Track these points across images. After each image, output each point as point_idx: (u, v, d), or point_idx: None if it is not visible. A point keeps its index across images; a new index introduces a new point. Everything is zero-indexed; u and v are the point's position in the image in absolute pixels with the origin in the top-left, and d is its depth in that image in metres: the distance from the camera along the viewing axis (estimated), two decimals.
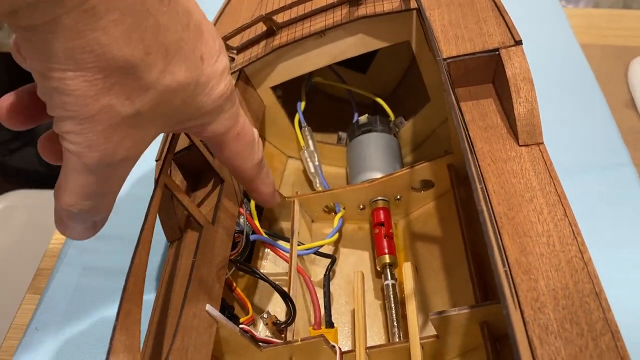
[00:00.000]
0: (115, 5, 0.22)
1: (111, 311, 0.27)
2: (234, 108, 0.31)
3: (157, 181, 0.33)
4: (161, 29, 0.24)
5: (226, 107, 0.30)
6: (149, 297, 0.35)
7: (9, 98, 0.28)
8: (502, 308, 0.20)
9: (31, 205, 0.87)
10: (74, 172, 0.25)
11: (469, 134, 0.32)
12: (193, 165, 0.40)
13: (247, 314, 0.39)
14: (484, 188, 0.29)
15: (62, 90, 0.23)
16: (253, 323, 0.40)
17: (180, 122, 0.28)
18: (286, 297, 0.37)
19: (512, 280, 0.26)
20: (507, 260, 0.26)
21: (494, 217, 0.28)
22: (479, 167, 0.30)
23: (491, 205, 0.29)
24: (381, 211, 0.45)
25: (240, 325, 0.37)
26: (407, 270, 0.40)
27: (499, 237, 0.27)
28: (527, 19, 0.75)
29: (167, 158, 0.35)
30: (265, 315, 0.40)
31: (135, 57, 0.23)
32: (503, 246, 0.27)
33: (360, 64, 0.57)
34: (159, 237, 0.38)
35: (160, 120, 0.26)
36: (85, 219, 0.28)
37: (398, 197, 0.46)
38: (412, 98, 0.55)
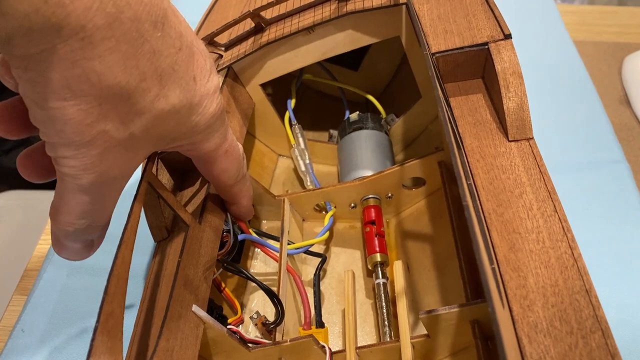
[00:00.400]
0: (112, 33, 0.21)
1: (95, 310, 0.27)
2: (225, 125, 0.31)
3: (141, 180, 0.33)
4: (156, 55, 0.24)
5: (217, 126, 0.30)
6: (136, 298, 0.34)
7: (2, 107, 0.28)
8: (488, 305, 0.20)
9: (24, 205, 0.86)
10: (69, 193, 0.25)
11: (457, 130, 0.31)
12: (180, 164, 0.39)
13: (236, 314, 0.39)
14: (472, 184, 0.29)
15: (58, 118, 0.22)
16: (242, 323, 0.39)
17: (173, 141, 0.28)
18: (274, 297, 0.37)
19: (501, 277, 0.25)
20: (495, 257, 0.26)
21: (483, 213, 0.28)
22: (468, 163, 0.30)
23: (480, 202, 0.28)
24: (372, 209, 0.45)
25: (229, 326, 0.36)
26: (398, 268, 0.40)
27: (487, 233, 0.26)
28: (520, 16, 0.75)
29: (152, 157, 0.35)
30: (254, 316, 0.40)
31: (131, 83, 0.23)
32: (492, 243, 0.26)
33: (351, 61, 0.57)
34: (147, 238, 0.37)
35: (153, 141, 0.27)
36: (82, 237, 0.28)
37: (389, 195, 0.45)
38: (404, 95, 0.54)
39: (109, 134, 0.24)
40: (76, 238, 0.28)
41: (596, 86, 0.66)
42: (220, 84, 0.29)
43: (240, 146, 0.34)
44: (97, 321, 0.26)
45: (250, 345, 0.36)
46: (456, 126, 0.32)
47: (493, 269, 0.25)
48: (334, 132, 0.54)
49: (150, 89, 0.24)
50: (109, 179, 0.26)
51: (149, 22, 0.23)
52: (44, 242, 0.53)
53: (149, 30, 0.23)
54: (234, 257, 0.39)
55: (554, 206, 0.27)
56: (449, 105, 0.33)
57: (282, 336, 0.38)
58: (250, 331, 0.41)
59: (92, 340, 0.25)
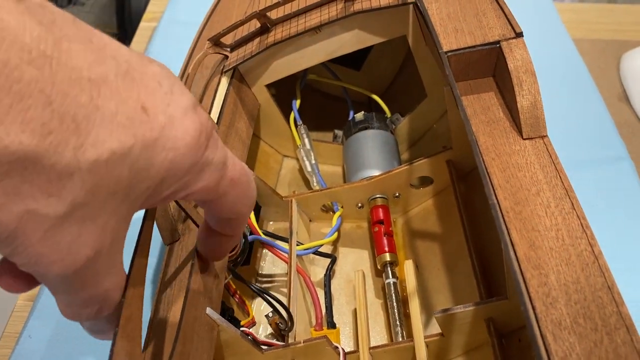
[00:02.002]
0: None
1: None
2: (218, 152, 0.24)
3: None
4: (56, 98, 0.18)
5: (209, 157, 0.23)
6: (147, 301, 0.34)
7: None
8: (517, 305, 0.20)
9: None
10: (52, 291, 0.22)
11: (471, 129, 0.31)
12: None
13: (248, 316, 0.39)
14: (490, 183, 0.29)
15: None
16: (254, 325, 0.39)
17: (154, 193, 0.22)
18: (282, 306, 0.37)
19: (523, 275, 0.25)
20: (516, 256, 0.26)
21: (501, 211, 0.28)
22: (484, 162, 0.30)
23: (497, 200, 0.28)
24: (380, 209, 0.45)
25: (242, 328, 0.36)
26: (408, 268, 0.40)
27: (507, 232, 0.26)
28: (518, 14, 0.75)
29: None
30: (270, 315, 0.39)
31: (27, 144, 0.17)
32: (511, 241, 0.26)
33: (354, 60, 0.56)
34: (155, 239, 0.37)
35: (116, 201, 0.21)
36: (103, 320, 0.25)
37: (397, 194, 0.45)
38: (408, 94, 0.54)
39: (37, 213, 0.18)
40: (99, 322, 0.24)
41: (595, 84, 0.66)
42: (192, 102, 0.23)
43: (245, 166, 0.27)
44: (117, 325, 0.26)
45: (263, 347, 0.35)
46: (470, 125, 0.32)
47: (516, 267, 0.25)
48: (339, 132, 0.54)
49: (64, 142, 0.18)
50: (82, 263, 0.20)
51: (26, 61, 0.17)
52: None
53: (29, 70, 0.17)
54: (245, 260, 0.39)
55: (572, 203, 0.27)
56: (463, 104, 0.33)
57: (295, 338, 0.38)
58: (261, 333, 0.41)
59: (113, 345, 0.25)
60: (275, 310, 0.37)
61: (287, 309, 0.37)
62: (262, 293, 0.37)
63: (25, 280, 0.22)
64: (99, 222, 0.20)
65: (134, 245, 0.30)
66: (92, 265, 0.21)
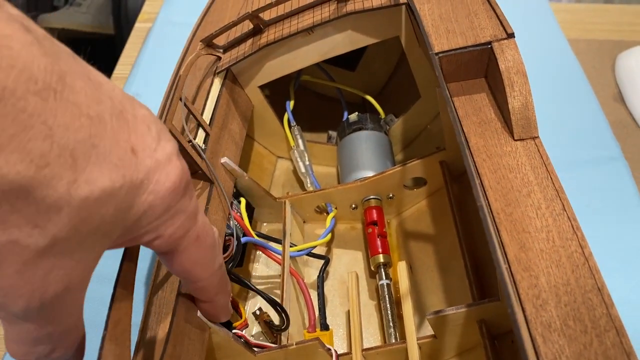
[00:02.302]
0: None
1: (101, 318, 0.26)
2: (192, 202, 0.24)
3: None
4: (56, 131, 0.18)
5: (183, 204, 0.23)
6: (138, 304, 0.34)
7: None
8: (507, 307, 0.20)
9: None
10: (7, 324, 0.21)
11: (463, 130, 0.31)
12: None
13: (240, 318, 0.38)
14: (480, 184, 0.29)
15: None
16: (246, 327, 0.39)
17: (126, 233, 0.22)
18: (277, 306, 0.37)
19: (513, 277, 0.25)
20: (506, 257, 0.26)
21: (492, 213, 0.28)
22: (475, 163, 0.30)
23: (488, 202, 0.28)
24: (374, 210, 0.45)
25: (234, 330, 0.36)
26: (402, 269, 0.39)
27: (497, 234, 0.26)
28: (514, 14, 0.75)
29: None
30: (257, 312, 0.39)
31: (23, 175, 0.17)
32: (502, 243, 0.26)
33: (348, 61, 0.56)
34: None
35: (95, 238, 0.21)
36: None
37: (390, 195, 0.45)
38: (402, 95, 0.54)
39: (20, 244, 0.18)
40: None
41: (590, 84, 0.66)
42: (176, 150, 0.23)
43: (215, 230, 0.27)
44: (105, 329, 0.26)
45: (255, 349, 0.35)
46: (461, 126, 0.32)
47: (505, 269, 0.25)
48: (333, 133, 0.54)
49: (59, 175, 0.18)
50: (49, 298, 0.20)
51: (32, 92, 0.17)
52: None
53: (33, 102, 0.17)
54: (238, 262, 0.39)
55: (563, 205, 0.27)
56: (454, 106, 0.33)
57: (287, 339, 0.38)
58: (255, 335, 0.41)
59: (101, 348, 0.25)
60: (277, 308, 0.37)
61: (283, 309, 0.37)
62: (258, 291, 0.37)
63: None
64: (75, 258, 0.20)
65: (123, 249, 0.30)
66: (57, 302, 0.21)
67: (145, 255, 0.46)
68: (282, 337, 0.37)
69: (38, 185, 0.18)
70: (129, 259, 0.29)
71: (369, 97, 0.53)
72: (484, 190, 0.28)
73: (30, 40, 0.18)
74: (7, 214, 0.18)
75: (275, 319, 0.38)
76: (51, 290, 0.20)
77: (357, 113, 0.50)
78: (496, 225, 0.27)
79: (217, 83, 0.44)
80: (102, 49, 1.17)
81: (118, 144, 0.20)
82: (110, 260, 0.29)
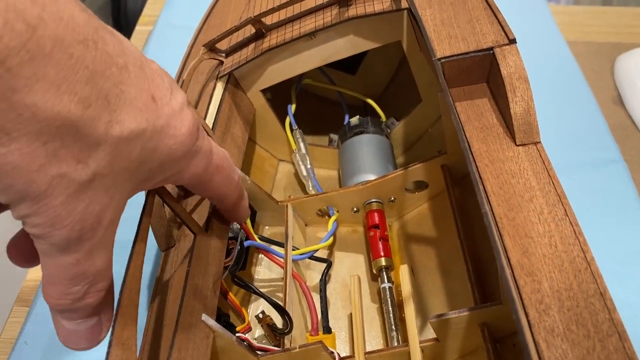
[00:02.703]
0: (31, 55, 0.19)
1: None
2: (206, 141, 0.28)
3: (148, 190, 0.32)
4: (94, 76, 0.21)
5: (199, 145, 0.27)
6: (143, 308, 0.34)
7: (12, 241, 0.27)
8: (510, 311, 0.20)
9: None
10: (48, 258, 0.23)
11: (465, 135, 0.32)
12: None
13: (243, 322, 0.39)
14: (483, 189, 0.29)
15: (1, 171, 0.19)
16: (249, 331, 0.39)
17: (153, 176, 0.26)
18: (281, 311, 0.37)
19: (516, 282, 0.25)
20: (509, 262, 0.26)
21: (494, 218, 0.28)
22: (477, 168, 0.30)
23: (491, 207, 0.28)
24: (375, 213, 0.45)
25: (237, 334, 0.36)
26: (404, 272, 0.40)
27: (500, 239, 0.27)
28: (512, 16, 0.75)
29: None
30: (260, 315, 0.39)
31: (73, 113, 0.20)
32: (505, 248, 0.27)
33: (349, 65, 0.57)
34: (150, 245, 0.37)
35: (125, 177, 0.24)
36: (84, 312, 0.25)
37: (392, 198, 0.46)
38: (403, 98, 0.55)
39: (67, 178, 0.21)
40: (78, 315, 0.25)
41: (590, 86, 0.66)
42: (186, 100, 0.26)
43: (226, 151, 0.31)
44: (112, 334, 0.26)
45: (259, 352, 0.36)
46: (464, 131, 0.32)
47: (509, 273, 0.25)
48: (334, 137, 0.54)
49: (99, 116, 0.21)
50: (87, 231, 0.22)
51: (76, 41, 0.20)
52: None
53: (78, 49, 0.20)
54: (242, 265, 0.39)
55: (565, 210, 0.28)
56: (456, 111, 0.33)
57: (290, 343, 0.38)
58: (257, 338, 0.41)
59: (107, 354, 0.25)
60: (280, 312, 0.37)
61: (286, 313, 0.37)
62: (263, 295, 0.37)
63: (29, 257, 0.26)
64: (109, 194, 0.23)
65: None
66: (93, 236, 0.23)
67: (149, 259, 0.46)
68: (285, 341, 0.38)
69: (83, 124, 0.20)
70: (135, 263, 0.29)
71: (370, 101, 0.53)
72: (487, 196, 0.29)
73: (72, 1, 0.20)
74: (58, 149, 0.20)
75: (278, 322, 0.39)
76: (89, 222, 0.22)
77: (358, 116, 0.51)
78: (499, 231, 0.27)
79: (219, 87, 0.44)
80: None
81: (141, 92, 0.23)
82: (116, 263, 0.29)
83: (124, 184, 0.24)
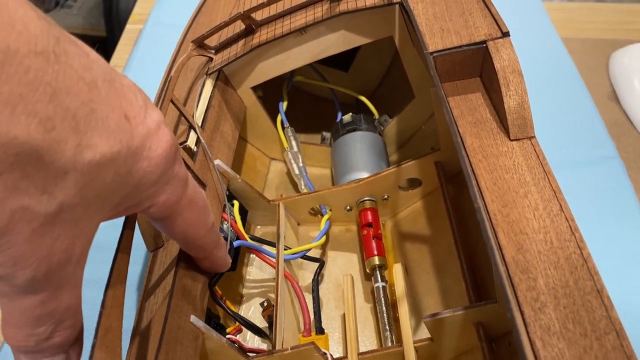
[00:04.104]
0: None
1: (91, 325, 0.26)
2: (182, 168, 0.25)
3: None
4: (59, 93, 0.18)
5: (175, 170, 0.24)
6: (130, 310, 0.33)
7: None
8: (505, 310, 0.19)
9: None
10: (8, 300, 0.20)
11: (458, 130, 0.31)
12: None
13: (235, 322, 0.38)
14: (477, 185, 0.28)
15: None
16: (240, 332, 0.38)
17: (124, 201, 0.23)
18: (258, 331, 0.37)
19: (511, 280, 0.25)
20: (504, 259, 0.25)
21: (488, 214, 0.27)
22: (471, 164, 0.29)
23: (485, 203, 0.28)
24: (369, 212, 0.44)
25: (227, 336, 0.35)
26: (397, 271, 0.39)
27: (494, 235, 0.26)
28: (507, 13, 0.75)
29: None
30: (264, 303, 0.39)
31: (34, 137, 0.17)
32: (499, 244, 0.26)
33: (342, 61, 0.56)
34: (139, 245, 0.36)
35: (96, 206, 0.21)
36: (50, 351, 0.23)
37: (385, 196, 0.45)
38: (396, 95, 0.54)
39: (30, 211, 0.18)
40: (43, 354, 0.23)
41: (585, 83, 0.66)
42: (163, 118, 0.24)
43: (203, 191, 0.28)
44: (95, 337, 0.25)
45: (250, 354, 0.35)
46: (457, 126, 0.31)
47: (503, 272, 0.24)
48: (327, 134, 0.53)
49: (65, 139, 0.18)
50: (54, 269, 0.20)
51: (33, 53, 0.17)
52: None
53: (36, 62, 0.17)
54: (231, 266, 0.38)
55: (560, 205, 0.27)
56: (449, 106, 0.32)
57: (282, 344, 0.37)
58: (248, 340, 0.40)
59: (90, 357, 0.24)
60: (257, 333, 0.37)
61: (264, 334, 0.37)
62: (240, 319, 0.36)
63: None
64: (79, 226, 0.21)
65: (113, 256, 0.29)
66: (61, 273, 0.21)
67: (135, 259, 0.45)
68: (277, 341, 0.37)
69: (47, 149, 0.18)
70: (120, 263, 0.28)
71: (362, 98, 0.52)
72: (481, 192, 0.28)
73: (23, 1, 0.18)
74: (19, 180, 0.17)
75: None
76: (56, 259, 0.20)
77: (350, 114, 0.50)
78: (493, 227, 0.26)
79: (208, 84, 0.43)
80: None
81: (113, 110, 0.20)
82: (102, 266, 0.28)
83: (95, 214, 0.21)
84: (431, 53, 0.33)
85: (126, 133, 0.21)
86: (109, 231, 0.31)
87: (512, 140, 0.30)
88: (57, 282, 0.21)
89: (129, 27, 0.78)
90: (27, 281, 0.20)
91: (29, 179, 0.18)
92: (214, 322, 0.37)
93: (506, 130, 0.31)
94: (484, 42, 0.33)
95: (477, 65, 0.34)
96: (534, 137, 0.30)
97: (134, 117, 0.22)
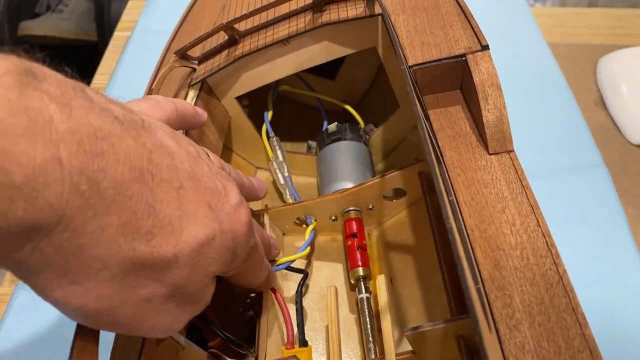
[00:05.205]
0: (94, 210, 0.19)
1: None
2: (254, 239, 0.29)
3: None
4: (155, 207, 0.21)
5: (252, 241, 0.29)
6: None
7: None
8: (475, 334, 0.19)
9: None
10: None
11: (437, 144, 0.31)
12: None
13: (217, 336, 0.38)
14: (455, 200, 0.28)
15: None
16: (223, 346, 0.38)
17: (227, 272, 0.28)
18: (237, 345, 0.37)
19: (487, 297, 0.25)
20: (480, 276, 0.25)
21: (466, 230, 0.27)
22: (449, 178, 0.29)
23: (462, 218, 0.28)
24: (353, 222, 0.44)
25: (210, 350, 0.35)
26: (381, 283, 0.39)
27: (470, 251, 0.26)
28: (493, 18, 0.75)
29: None
30: (248, 315, 0.39)
31: (139, 250, 0.21)
32: (476, 261, 0.26)
33: (328, 70, 0.56)
34: None
35: (206, 282, 0.26)
36: None
37: (370, 206, 0.45)
38: (382, 104, 0.54)
39: (151, 297, 0.23)
40: None
41: (571, 88, 0.66)
42: (239, 196, 0.27)
43: (263, 251, 0.33)
44: (70, 357, 0.25)
45: None
46: (436, 140, 0.31)
47: (478, 289, 0.24)
48: (313, 143, 0.53)
49: (166, 243, 0.22)
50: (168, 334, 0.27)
51: (133, 179, 0.20)
52: None
53: (136, 188, 0.20)
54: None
55: (537, 221, 0.27)
56: (427, 119, 0.32)
57: (265, 357, 0.37)
58: (231, 353, 0.40)
59: None
60: (236, 346, 0.37)
61: (248, 349, 0.37)
62: (221, 333, 0.36)
63: None
64: (186, 307, 0.26)
65: None
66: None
67: None
68: (260, 354, 0.37)
69: (150, 257, 0.21)
70: None
71: (348, 107, 0.52)
72: (459, 206, 0.28)
73: (120, 130, 0.20)
74: (138, 279, 0.22)
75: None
76: (174, 330, 0.26)
77: (336, 123, 0.50)
78: (470, 243, 0.26)
79: (191, 95, 0.43)
80: (85, 56, 1.16)
81: (199, 206, 0.24)
82: None
83: (207, 289, 0.26)
84: (410, 67, 0.33)
85: (213, 221, 0.24)
86: None
87: (490, 154, 0.30)
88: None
89: (117, 34, 0.78)
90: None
91: (144, 277, 0.22)
92: (196, 335, 0.37)
93: (485, 144, 0.31)
94: (464, 55, 0.33)
95: (457, 78, 0.34)
96: (512, 151, 0.31)
97: (215, 206, 0.25)
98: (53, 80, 0.19)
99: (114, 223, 0.20)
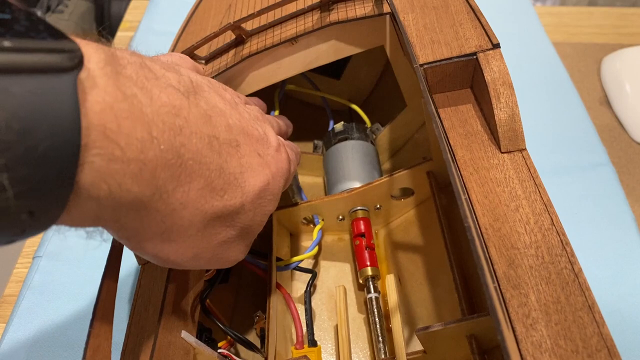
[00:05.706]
0: (179, 181, 0.23)
1: (82, 338, 0.26)
2: (292, 162, 0.33)
3: None
4: (223, 168, 0.25)
5: (291, 170, 0.33)
6: (121, 323, 0.33)
7: None
8: (497, 333, 0.19)
9: None
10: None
11: (449, 142, 0.31)
12: None
13: (226, 336, 0.38)
14: (468, 198, 0.28)
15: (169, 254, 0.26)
16: (232, 346, 0.38)
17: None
18: (250, 345, 0.36)
19: (502, 296, 0.24)
20: (495, 275, 0.25)
21: (480, 229, 0.27)
22: (462, 177, 0.29)
23: (476, 217, 0.27)
24: (361, 221, 0.44)
25: (219, 350, 0.35)
26: (390, 282, 0.39)
27: (485, 250, 0.26)
28: (498, 18, 0.75)
29: None
30: (257, 316, 0.39)
31: (216, 205, 0.25)
32: (490, 260, 0.26)
33: (334, 69, 0.56)
34: (130, 261, 0.36)
35: (265, 218, 0.30)
36: None
37: (378, 206, 0.45)
38: (388, 103, 0.54)
39: (226, 239, 0.28)
40: None
41: (576, 87, 0.66)
42: (274, 136, 0.31)
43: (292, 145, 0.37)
44: (84, 356, 0.25)
45: None
46: (447, 138, 0.31)
47: (495, 288, 0.24)
48: (319, 143, 0.53)
49: (234, 195, 0.26)
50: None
51: (205, 147, 0.24)
52: (21, 265, 0.51)
53: (209, 154, 0.24)
54: (222, 277, 0.38)
55: (552, 219, 0.27)
56: (439, 117, 0.32)
57: (275, 357, 0.37)
58: (241, 353, 0.40)
59: None
60: (248, 347, 0.37)
61: (258, 349, 0.37)
62: (231, 333, 0.36)
63: None
64: (250, 237, 0.30)
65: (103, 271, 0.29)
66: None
67: (127, 273, 0.45)
68: (269, 355, 0.37)
69: (223, 209, 0.26)
70: (108, 282, 0.28)
71: (354, 106, 0.52)
72: (472, 206, 0.28)
73: (187, 103, 0.24)
74: (218, 226, 0.26)
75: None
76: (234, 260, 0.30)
77: (342, 122, 0.50)
78: (484, 242, 0.26)
79: None
80: None
81: (252, 156, 0.28)
82: (88, 280, 0.28)
83: (258, 228, 0.30)
84: (421, 65, 0.33)
85: (264, 167, 0.28)
86: (104, 248, 0.31)
87: (503, 152, 0.30)
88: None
89: (119, 34, 0.78)
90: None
91: (221, 223, 0.26)
92: (206, 336, 0.37)
93: (497, 143, 0.31)
94: (475, 53, 0.33)
95: (468, 77, 0.34)
96: (524, 149, 0.30)
97: (263, 152, 0.29)
98: (129, 64, 0.22)
99: (195, 187, 0.23)
